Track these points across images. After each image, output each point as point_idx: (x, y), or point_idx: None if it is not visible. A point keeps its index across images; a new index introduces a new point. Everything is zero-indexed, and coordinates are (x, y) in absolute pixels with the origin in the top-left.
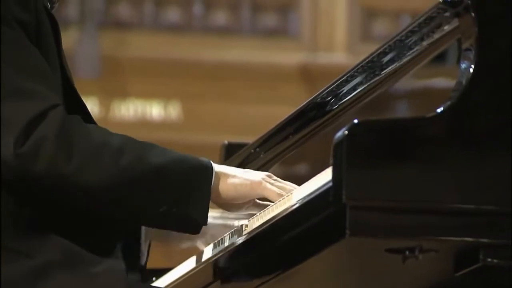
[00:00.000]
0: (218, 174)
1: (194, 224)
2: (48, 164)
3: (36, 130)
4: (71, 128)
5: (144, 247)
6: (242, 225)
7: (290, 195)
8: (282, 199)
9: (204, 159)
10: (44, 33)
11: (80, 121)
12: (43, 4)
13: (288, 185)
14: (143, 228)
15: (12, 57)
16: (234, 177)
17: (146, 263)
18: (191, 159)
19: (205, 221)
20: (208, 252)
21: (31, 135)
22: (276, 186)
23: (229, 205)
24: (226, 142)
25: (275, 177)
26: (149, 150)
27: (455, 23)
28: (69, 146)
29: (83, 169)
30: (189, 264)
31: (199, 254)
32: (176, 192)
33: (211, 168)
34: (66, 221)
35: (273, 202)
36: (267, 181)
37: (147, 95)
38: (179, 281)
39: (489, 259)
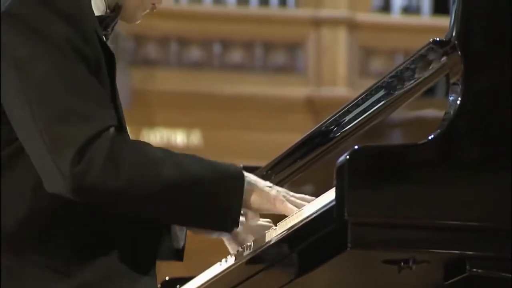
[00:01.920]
0: (249, 185)
1: (227, 226)
2: (96, 183)
3: (88, 151)
4: (119, 148)
5: (180, 233)
6: (255, 239)
7: (299, 212)
8: (292, 215)
9: (237, 168)
10: (101, 66)
11: (127, 140)
12: (100, 37)
13: (303, 199)
14: None
15: (71, 83)
16: (261, 191)
17: (184, 246)
18: (227, 168)
19: (236, 224)
20: (221, 266)
21: (84, 156)
22: (292, 203)
23: (248, 214)
24: (241, 165)
25: (291, 193)
26: (187, 159)
27: (443, 60)
28: (116, 166)
29: (129, 185)
30: (209, 273)
31: (215, 266)
32: (214, 197)
33: (243, 178)
34: (106, 241)
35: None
36: (287, 199)
37: (172, 124)
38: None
39: (474, 270)
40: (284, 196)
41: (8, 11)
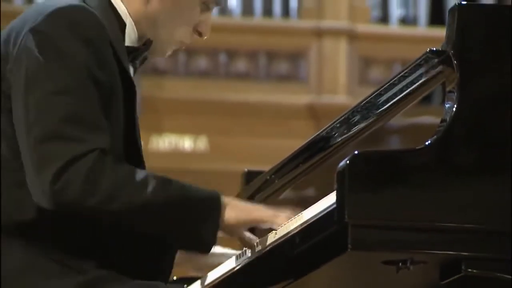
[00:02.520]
0: (225, 205)
1: (204, 246)
2: (74, 199)
3: (68, 171)
4: (100, 169)
5: None
6: (260, 240)
7: (301, 215)
8: (294, 218)
9: (214, 192)
10: (115, 93)
11: (110, 163)
12: (122, 66)
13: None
14: None
15: (70, 105)
16: (235, 205)
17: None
18: (204, 192)
19: (214, 242)
20: (231, 263)
21: (63, 175)
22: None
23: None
24: (246, 170)
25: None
26: (168, 183)
27: (440, 69)
28: (94, 185)
29: (106, 201)
30: (215, 274)
31: (223, 265)
32: (193, 217)
33: (219, 199)
34: (116, 240)
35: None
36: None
37: (180, 130)
38: (210, 285)
39: (469, 270)
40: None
41: (37, 27)
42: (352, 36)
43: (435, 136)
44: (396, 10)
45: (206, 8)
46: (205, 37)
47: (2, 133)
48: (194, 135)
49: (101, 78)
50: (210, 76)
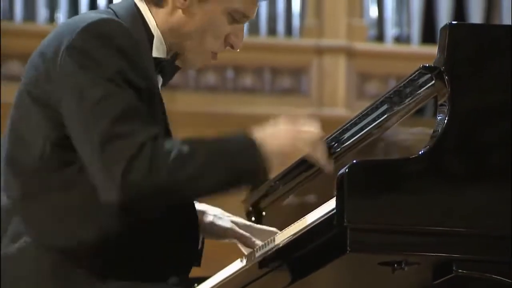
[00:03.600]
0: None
1: (261, 175)
2: (144, 187)
3: (132, 167)
4: (157, 155)
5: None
6: (265, 242)
7: (304, 219)
8: (297, 222)
9: (248, 137)
10: (154, 95)
11: (163, 145)
12: (152, 80)
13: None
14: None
15: (118, 108)
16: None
17: (201, 252)
18: (238, 140)
19: (266, 171)
20: (238, 264)
21: (130, 172)
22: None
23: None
24: None
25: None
26: (205, 145)
27: (432, 84)
28: (157, 170)
29: (172, 178)
30: (223, 274)
31: (230, 266)
32: (239, 160)
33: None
34: (142, 249)
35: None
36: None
37: None
38: (218, 285)
39: (460, 271)
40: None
41: (73, 43)
42: (350, 54)
43: (427, 146)
44: (391, 30)
45: (233, 19)
46: (237, 49)
47: (48, 138)
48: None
49: (137, 82)
50: (219, 90)
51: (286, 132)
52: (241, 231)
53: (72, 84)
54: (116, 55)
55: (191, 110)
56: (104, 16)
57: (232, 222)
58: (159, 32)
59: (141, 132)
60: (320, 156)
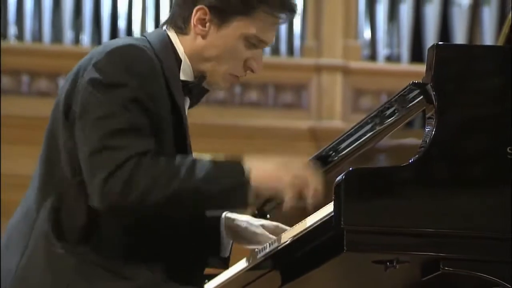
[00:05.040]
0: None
1: (244, 203)
2: (117, 200)
3: (112, 178)
4: (138, 170)
5: (227, 243)
6: (268, 243)
7: (304, 221)
8: (298, 225)
9: (238, 164)
10: (164, 124)
11: (147, 162)
12: (174, 99)
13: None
14: (222, 227)
15: (115, 127)
16: (261, 164)
17: (229, 256)
18: (229, 166)
19: (247, 203)
20: (240, 265)
21: (108, 181)
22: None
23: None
24: None
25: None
26: (194, 166)
27: (421, 99)
28: (132, 185)
29: (144, 196)
30: (231, 271)
31: (234, 267)
32: (223, 188)
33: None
34: (158, 250)
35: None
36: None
37: (201, 150)
38: (224, 284)
39: (446, 268)
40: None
41: (97, 63)
42: (346, 71)
43: (417, 155)
44: (382, 50)
45: (250, 44)
46: (258, 73)
47: (65, 145)
48: (214, 153)
49: (150, 107)
50: (227, 104)
51: (276, 163)
52: (271, 236)
53: (83, 99)
54: (133, 80)
55: (203, 122)
56: (133, 42)
57: (262, 226)
58: (186, 57)
59: (130, 147)
60: (289, 193)
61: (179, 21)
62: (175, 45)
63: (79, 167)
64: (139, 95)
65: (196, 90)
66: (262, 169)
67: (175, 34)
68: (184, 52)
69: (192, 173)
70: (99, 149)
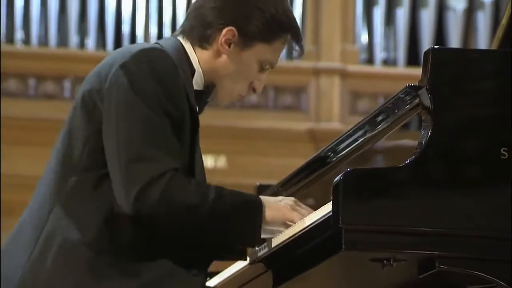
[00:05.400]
0: (264, 203)
1: (251, 243)
2: (152, 212)
3: (147, 190)
4: (173, 187)
5: None
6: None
7: (304, 221)
8: (297, 224)
9: (256, 198)
10: (184, 126)
11: (184, 183)
12: (191, 105)
13: (306, 209)
14: None
15: (149, 133)
16: (272, 204)
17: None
18: (250, 200)
19: (259, 241)
20: (242, 263)
21: (145, 194)
22: (298, 211)
23: (265, 230)
24: (258, 183)
25: (299, 203)
26: (221, 195)
27: (417, 101)
28: (166, 201)
29: (176, 214)
30: (232, 269)
31: (235, 264)
32: (241, 222)
33: (261, 204)
34: (166, 247)
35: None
36: (293, 208)
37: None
38: (226, 281)
39: (442, 266)
40: (291, 206)
41: (124, 64)
42: (343, 75)
43: (413, 157)
44: (379, 54)
45: (262, 68)
46: (258, 94)
47: (87, 143)
48: (216, 155)
49: (171, 111)
50: (229, 106)
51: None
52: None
53: (116, 97)
54: (158, 84)
55: (205, 124)
56: (156, 46)
57: None
58: (200, 69)
59: (165, 161)
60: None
61: (201, 35)
62: (189, 55)
63: (102, 163)
64: (163, 99)
65: (206, 98)
66: (273, 208)
67: (190, 45)
68: (199, 63)
69: (218, 203)
70: (136, 158)
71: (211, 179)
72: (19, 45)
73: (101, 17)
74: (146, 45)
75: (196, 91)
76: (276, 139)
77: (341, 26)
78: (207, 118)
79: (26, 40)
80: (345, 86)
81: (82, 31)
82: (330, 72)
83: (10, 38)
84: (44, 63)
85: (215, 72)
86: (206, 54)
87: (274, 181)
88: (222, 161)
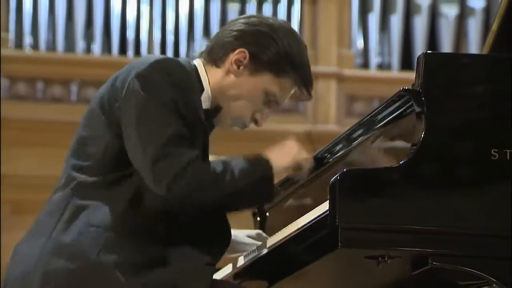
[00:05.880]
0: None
1: (269, 197)
2: (182, 196)
3: (176, 183)
4: (197, 174)
5: None
6: (267, 240)
7: (301, 218)
8: (295, 222)
9: (262, 158)
10: (197, 133)
11: (201, 166)
12: (200, 116)
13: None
14: None
15: (169, 130)
16: (280, 158)
17: None
18: (257, 160)
19: (274, 194)
20: (240, 260)
21: (174, 186)
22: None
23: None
24: None
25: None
26: (231, 167)
27: (410, 104)
28: (195, 186)
29: (201, 196)
30: (230, 267)
31: (235, 261)
32: (257, 182)
33: (270, 165)
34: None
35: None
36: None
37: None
38: (228, 276)
39: (434, 263)
40: (294, 148)
41: (141, 73)
42: (340, 79)
43: (406, 158)
44: (374, 58)
45: (267, 100)
46: (259, 127)
47: (107, 145)
48: (216, 156)
49: (186, 114)
50: None
51: (287, 147)
52: (258, 242)
53: (134, 103)
54: (173, 90)
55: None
56: (170, 57)
57: (248, 236)
58: (209, 88)
59: (186, 153)
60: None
61: (216, 54)
62: (200, 74)
63: (121, 165)
64: (179, 104)
65: (212, 118)
66: (278, 157)
67: (202, 64)
68: (209, 82)
69: (233, 175)
70: (160, 156)
71: None
72: (27, 50)
73: (106, 24)
74: (161, 56)
75: (204, 110)
76: (274, 140)
77: (337, 32)
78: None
79: (35, 46)
80: (341, 90)
81: (88, 37)
82: (327, 76)
83: (19, 44)
84: (51, 67)
85: (222, 91)
86: (217, 73)
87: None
88: None
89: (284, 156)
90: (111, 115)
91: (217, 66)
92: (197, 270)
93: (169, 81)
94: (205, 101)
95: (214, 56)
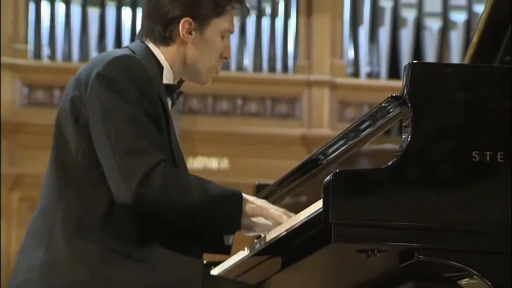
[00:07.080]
0: (245, 201)
1: (233, 230)
2: (153, 201)
3: (148, 179)
4: (170, 176)
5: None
6: (264, 235)
7: (297, 215)
8: (291, 218)
9: (238, 191)
10: (159, 120)
11: (175, 172)
12: (162, 99)
13: (284, 213)
14: None
15: (138, 129)
16: (252, 202)
17: (232, 244)
18: (230, 191)
19: (239, 227)
20: (242, 253)
21: (147, 182)
22: (276, 211)
23: (247, 225)
24: (257, 183)
25: (276, 207)
26: (207, 187)
27: (398, 110)
28: (168, 190)
29: (173, 205)
30: (234, 259)
31: (236, 255)
32: (225, 210)
33: (241, 196)
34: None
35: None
36: (270, 207)
37: (208, 154)
38: (227, 269)
39: (420, 257)
40: (272, 207)
41: (100, 73)
42: (333, 86)
43: (394, 159)
44: (364, 68)
45: (223, 37)
46: (229, 58)
47: (79, 146)
48: (219, 158)
49: (150, 111)
50: (230, 114)
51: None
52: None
53: (99, 104)
54: (134, 86)
55: (208, 130)
56: (127, 53)
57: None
58: (167, 64)
59: (156, 153)
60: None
61: (163, 35)
62: (155, 53)
63: (96, 163)
64: (141, 99)
65: (177, 92)
66: (254, 203)
67: (154, 45)
68: (166, 60)
69: (205, 191)
70: (131, 152)
71: (215, 179)
72: (45, 61)
73: (118, 36)
74: (118, 53)
75: (166, 85)
76: (273, 143)
77: (330, 43)
78: (212, 125)
79: (52, 56)
80: (334, 97)
81: (101, 48)
82: (320, 84)
83: (38, 54)
84: (67, 76)
85: (186, 62)
86: (171, 49)
87: (271, 181)
88: (224, 163)
89: (267, 209)
90: (79, 115)
91: (168, 44)
92: (184, 266)
93: (129, 78)
94: (167, 77)
95: (159, 36)
